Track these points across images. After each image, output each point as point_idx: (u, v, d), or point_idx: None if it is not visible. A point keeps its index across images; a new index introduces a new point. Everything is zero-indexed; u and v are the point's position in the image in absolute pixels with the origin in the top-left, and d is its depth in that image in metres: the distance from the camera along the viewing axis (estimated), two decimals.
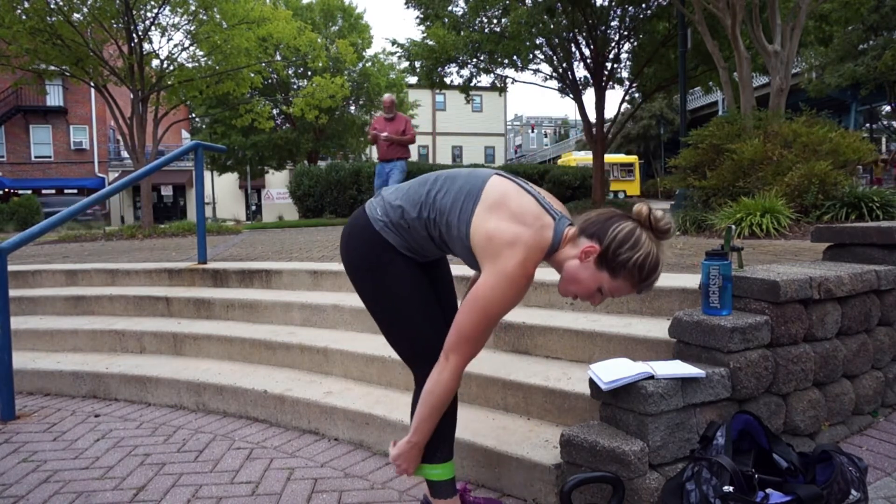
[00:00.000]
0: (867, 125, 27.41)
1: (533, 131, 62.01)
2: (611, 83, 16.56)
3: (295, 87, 24.36)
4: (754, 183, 5.91)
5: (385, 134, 7.41)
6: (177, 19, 13.76)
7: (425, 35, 15.80)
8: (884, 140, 30.13)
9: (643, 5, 14.56)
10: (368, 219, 1.76)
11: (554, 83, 19.07)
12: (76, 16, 12.49)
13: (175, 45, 18.43)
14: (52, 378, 3.52)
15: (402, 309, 1.76)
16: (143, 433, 2.86)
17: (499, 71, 17.02)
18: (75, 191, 29.00)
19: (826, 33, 13.23)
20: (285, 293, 3.98)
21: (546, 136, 62.24)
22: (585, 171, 20.60)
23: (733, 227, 4.68)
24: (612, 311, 2.81)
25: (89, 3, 12.38)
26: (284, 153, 25.08)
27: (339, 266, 4.03)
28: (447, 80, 16.88)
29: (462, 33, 15.19)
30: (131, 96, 13.17)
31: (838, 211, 5.35)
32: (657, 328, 2.42)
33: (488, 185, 1.64)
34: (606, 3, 14.84)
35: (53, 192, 28.94)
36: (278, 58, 19.16)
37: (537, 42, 14.86)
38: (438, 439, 1.78)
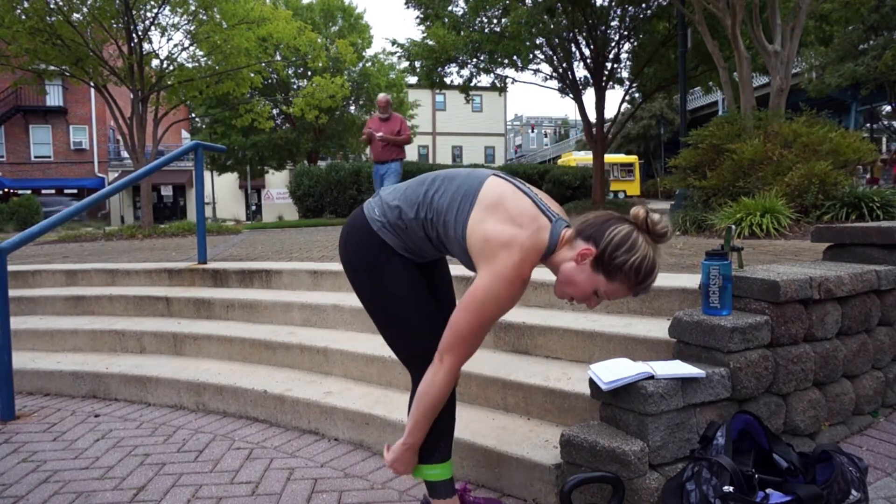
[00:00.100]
0: (867, 125, 27.42)
1: (533, 131, 62.01)
2: (611, 83, 16.56)
3: (295, 87, 24.35)
4: (754, 183, 5.91)
5: (380, 134, 7.25)
6: (177, 19, 13.76)
7: (425, 35, 15.80)
8: (884, 140, 30.14)
9: (643, 5, 14.56)
10: (366, 219, 1.76)
11: (554, 83, 19.09)
12: (76, 16, 12.49)
13: (175, 45, 18.43)
14: (52, 378, 3.52)
15: (400, 309, 1.76)
16: (143, 433, 2.86)
17: (499, 71, 17.02)
18: (75, 191, 29.01)
19: (826, 33, 13.23)
20: (285, 293, 3.98)
21: (546, 136, 62.24)
22: (585, 171, 20.59)
23: (733, 227, 4.68)
24: (612, 311, 2.81)
25: (89, 3, 12.37)
26: (284, 153, 25.08)
27: (338, 266, 4.03)
28: (447, 80, 16.87)
29: (462, 33, 15.19)
30: (131, 96, 13.16)
31: (838, 211, 5.35)
32: (657, 328, 2.42)
33: (485, 186, 1.64)
34: (606, 3, 14.84)
35: (53, 192, 28.93)
36: (278, 58, 19.15)
37: (537, 42, 14.86)
38: (436, 439, 1.78)
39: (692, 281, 2.67)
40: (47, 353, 3.87)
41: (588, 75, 16.22)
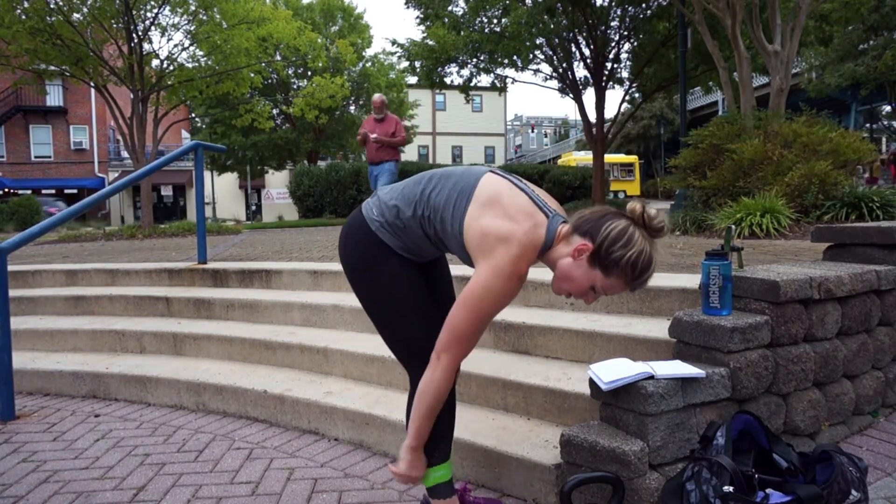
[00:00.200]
0: (867, 125, 27.42)
1: (533, 131, 62.00)
2: (611, 83, 16.56)
3: (295, 87, 24.35)
4: (754, 183, 5.91)
5: (374, 136, 7.13)
6: (177, 19, 13.76)
7: (425, 35, 15.80)
8: (884, 140, 30.14)
9: (643, 5, 14.57)
10: (365, 219, 1.76)
11: (554, 83, 19.10)
12: (76, 16, 12.49)
13: (175, 45, 18.45)
14: (52, 378, 3.52)
15: (399, 309, 1.76)
16: (143, 433, 2.86)
17: (499, 71, 17.02)
18: (75, 191, 29.01)
19: (826, 33, 13.23)
20: (285, 293, 3.98)
21: (546, 136, 62.23)
22: (585, 171, 20.60)
23: (733, 227, 4.68)
24: (612, 311, 2.81)
25: (89, 3, 12.37)
26: (284, 153, 25.08)
27: (338, 266, 4.02)
28: (447, 80, 16.88)
29: (462, 33, 15.19)
30: (131, 96, 13.16)
31: (838, 211, 5.35)
32: (657, 328, 2.42)
33: (482, 182, 1.65)
34: (606, 3, 14.84)
35: (53, 192, 28.94)
36: (278, 58, 19.14)
37: (537, 42, 14.86)
38: (436, 440, 1.78)
39: (692, 281, 2.67)
40: (47, 353, 3.87)
41: (588, 75, 16.22)
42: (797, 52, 9.93)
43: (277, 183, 32.28)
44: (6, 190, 28.14)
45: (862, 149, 6.15)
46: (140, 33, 12.94)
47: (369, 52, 26.01)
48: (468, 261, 1.67)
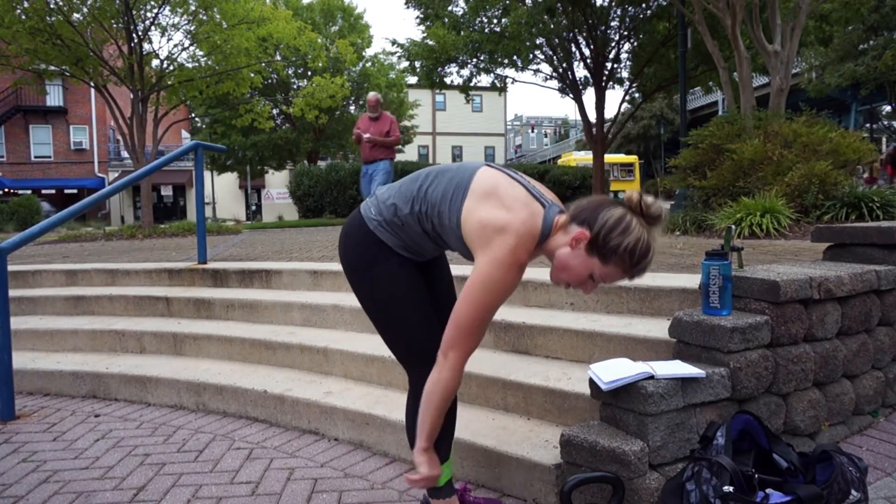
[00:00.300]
0: (867, 125, 27.41)
1: (533, 131, 62.01)
2: (611, 83, 16.57)
3: (295, 87, 24.36)
4: (754, 183, 5.91)
5: (367, 135, 7.05)
6: (177, 19, 13.76)
7: (425, 35, 15.81)
8: (884, 140, 30.14)
9: (643, 5, 14.58)
10: (363, 219, 1.77)
11: (554, 83, 19.09)
12: (76, 16, 12.48)
13: (175, 45, 18.44)
14: (52, 378, 3.52)
15: (399, 309, 1.76)
16: (143, 433, 2.86)
17: (499, 71, 17.04)
18: (75, 191, 29.01)
19: (826, 33, 13.24)
20: (285, 293, 3.98)
21: (546, 136, 62.23)
22: (585, 171, 20.60)
23: (733, 227, 4.68)
24: (612, 311, 2.81)
25: (89, 3, 12.37)
26: (284, 153, 25.08)
27: (338, 266, 4.02)
28: (447, 80, 16.89)
29: (462, 33, 15.20)
30: (131, 96, 13.16)
31: (838, 211, 5.35)
32: (657, 328, 2.42)
33: (477, 175, 1.66)
34: (606, 3, 14.85)
35: (53, 192, 28.95)
36: (278, 58, 19.14)
37: (537, 42, 14.87)
38: (436, 439, 1.78)
39: (692, 281, 2.67)
40: (47, 353, 3.87)
41: (588, 75, 16.23)
42: (797, 52, 9.93)
43: (277, 183, 32.29)
44: (6, 190, 28.14)
45: (862, 149, 6.15)
46: (140, 33, 12.94)
47: (369, 52, 26.04)
48: (467, 254, 1.67)
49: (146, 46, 13.29)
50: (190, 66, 14.40)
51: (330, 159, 25.48)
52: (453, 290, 2.00)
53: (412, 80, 21.19)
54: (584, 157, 28.50)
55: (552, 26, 14.14)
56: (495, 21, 15.38)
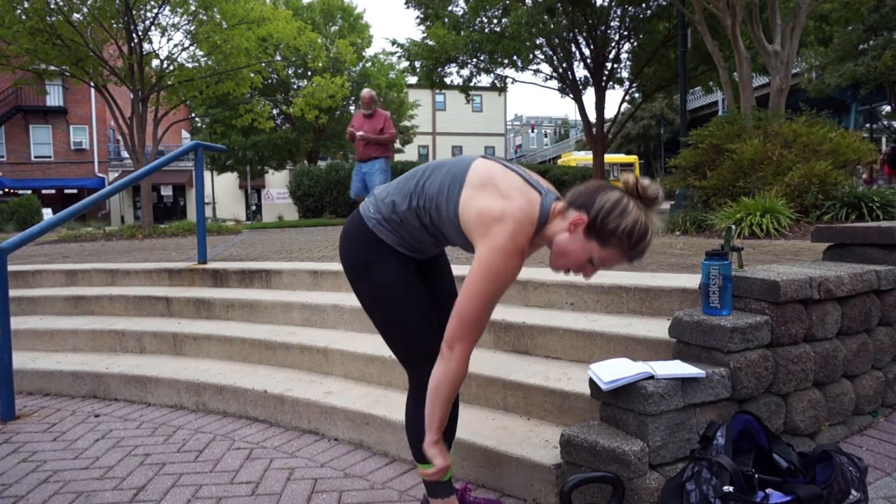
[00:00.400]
0: (867, 125, 27.41)
1: (533, 131, 61.99)
2: (611, 83, 16.57)
3: (295, 87, 24.35)
4: (754, 183, 5.91)
5: (361, 133, 6.92)
6: (177, 19, 13.76)
7: (425, 35, 15.81)
8: (884, 140, 30.14)
9: (643, 5, 14.58)
10: (363, 218, 1.78)
11: (554, 83, 19.09)
12: (76, 16, 12.48)
13: (175, 45, 18.43)
14: (52, 378, 3.52)
15: (399, 309, 1.76)
16: (143, 433, 2.86)
17: (499, 71, 17.04)
18: (75, 191, 29.00)
19: (826, 33, 13.24)
20: (285, 293, 3.98)
21: (546, 136, 62.22)
22: (585, 171, 20.60)
23: (733, 227, 4.68)
24: (612, 311, 2.81)
25: (89, 3, 12.37)
26: (284, 153, 25.08)
27: (338, 266, 4.02)
28: (447, 80, 16.89)
29: (462, 33, 15.20)
30: (131, 96, 13.16)
31: (838, 211, 5.35)
32: (657, 328, 2.42)
33: (473, 166, 1.67)
34: (606, 3, 14.85)
35: (53, 192, 28.95)
36: (278, 58, 19.14)
37: (537, 42, 14.87)
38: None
39: (692, 281, 2.67)
40: (47, 353, 3.87)
41: (588, 75, 16.23)
42: (797, 52, 9.93)
43: (277, 183, 32.28)
44: (6, 190, 28.14)
45: (862, 149, 6.15)
46: (140, 33, 12.94)
47: (369, 52, 26.03)
48: (467, 245, 1.67)
49: (146, 46, 13.29)
50: (190, 66, 14.40)
51: (330, 159, 25.48)
52: (454, 289, 2.00)
53: (412, 80, 21.18)
54: (584, 157, 28.50)
55: (552, 26, 14.14)
56: (495, 21, 15.38)
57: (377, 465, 2.41)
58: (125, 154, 27.85)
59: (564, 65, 16.11)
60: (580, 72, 16.66)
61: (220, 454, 2.57)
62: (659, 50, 14.83)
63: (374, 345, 2.96)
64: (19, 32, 11.57)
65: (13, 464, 2.54)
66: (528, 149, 58.07)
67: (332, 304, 3.49)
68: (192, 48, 14.38)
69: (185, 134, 32.87)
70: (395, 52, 17.05)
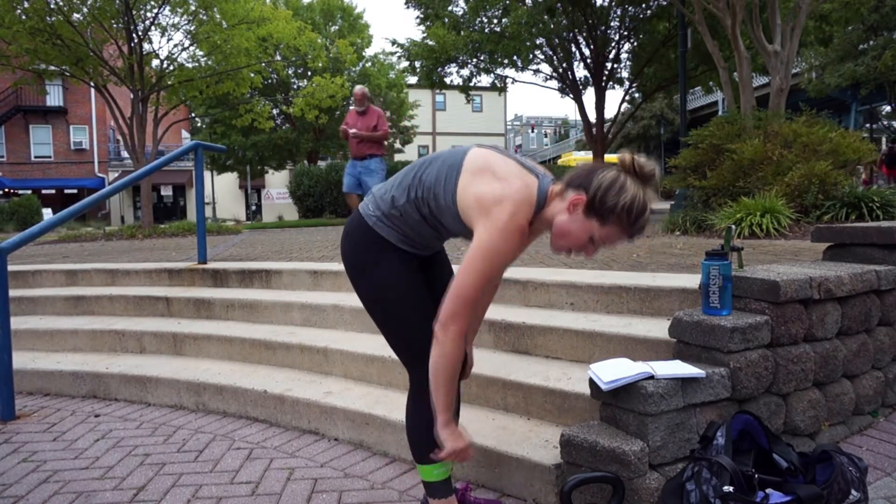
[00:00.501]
0: (867, 125, 27.40)
1: (533, 131, 61.99)
2: (611, 83, 16.57)
3: (295, 87, 24.35)
4: (754, 183, 5.91)
5: (353, 131, 6.75)
6: (177, 19, 13.76)
7: (425, 35, 15.81)
8: (884, 140, 30.14)
9: (643, 5, 14.57)
10: (363, 217, 1.79)
11: (554, 83, 19.08)
12: (76, 16, 12.48)
13: (175, 45, 18.43)
14: (52, 378, 3.52)
15: (399, 309, 1.76)
16: (143, 433, 2.86)
17: (499, 71, 17.04)
18: (75, 191, 29.00)
19: (826, 33, 13.24)
20: (285, 293, 3.98)
21: (546, 136, 62.22)
22: None
23: (733, 227, 4.68)
24: (612, 311, 2.81)
25: (89, 3, 12.37)
26: (284, 153, 25.07)
27: (338, 266, 4.03)
28: (447, 80, 16.89)
29: (462, 33, 15.20)
30: (131, 96, 13.16)
31: (838, 211, 5.35)
32: (657, 328, 2.42)
33: (469, 154, 1.68)
34: (606, 3, 14.85)
35: (53, 192, 28.94)
36: (278, 58, 19.13)
37: (537, 42, 14.87)
38: (432, 439, 1.78)
39: (692, 281, 2.67)
40: (47, 353, 3.87)
41: (588, 75, 16.24)
42: (797, 52, 9.93)
43: (277, 183, 32.27)
44: (6, 190, 28.14)
45: (862, 149, 6.15)
46: (140, 33, 12.94)
47: (369, 52, 26.02)
48: (466, 233, 1.68)
49: (146, 46, 13.29)
50: (190, 66, 14.40)
51: (330, 159, 25.47)
52: None
53: (412, 80, 21.18)
54: (585, 158, 28.51)
55: (552, 26, 14.14)
56: (495, 21, 15.39)
57: (377, 465, 2.40)
58: (125, 154, 27.84)
59: (564, 65, 16.11)
60: (580, 72, 16.68)
61: (220, 454, 2.57)
62: (659, 50, 14.83)
63: (374, 345, 2.96)
64: (19, 32, 11.57)
65: (13, 464, 2.54)
66: (528, 149, 58.05)
67: (332, 304, 3.49)
68: (192, 48, 14.40)
69: (185, 134, 32.86)
70: (395, 52, 17.06)
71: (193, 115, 24.50)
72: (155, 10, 13.16)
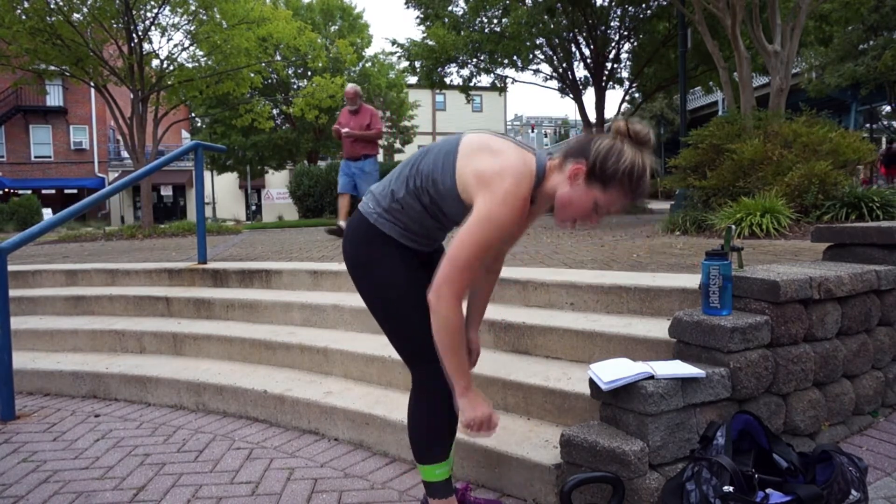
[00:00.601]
0: (867, 125, 27.40)
1: (533, 131, 61.99)
2: (611, 83, 16.56)
3: (295, 87, 24.34)
4: (754, 183, 5.91)
5: (346, 130, 6.62)
6: (177, 19, 13.75)
7: (425, 35, 15.80)
8: (884, 140, 30.13)
9: (643, 5, 14.56)
10: (363, 215, 1.79)
11: (554, 83, 19.07)
12: (76, 16, 12.48)
13: (175, 45, 18.43)
14: (52, 378, 3.52)
15: (400, 307, 1.76)
16: (143, 433, 2.86)
17: (499, 71, 17.02)
18: (75, 191, 29.00)
19: (826, 33, 13.23)
20: (285, 293, 3.98)
21: (546, 136, 62.26)
22: None
23: (733, 227, 4.68)
24: (612, 311, 2.81)
25: (89, 3, 12.36)
26: (284, 153, 25.07)
27: (338, 266, 4.03)
28: (447, 80, 16.87)
29: (462, 33, 15.18)
30: (131, 96, 13.16)
31: (838, 211, 5.35)
32: (657, 328, 2.42)
33: (465, 139, 1.70)
34: (606, 3, 14.84)
35: (53, 192, 28.94)
36: (278, 58, 19.13)
37: (537, 42, 14.85)
38: (432, 439, 1.78)
39: (692, 281, 2.67)
40: (47, 353, 3.87)
41: (588, 75, 16.22)
42: (797, 52, 9.93)
43: (277, 183, 32.27)
44: (6, 190, 28.13)
45: (862, 149, 6.15)
46: (140, 33, 12.93)
47: (369, 52, 26.02)
48: (468, 218, 1.67)
49: (146, 46, 13.29)
50: (190, 66, 14.40)
51: (330, 159, 25.48)
52: None
53: (412, 80, 21.17)
54: None
55: (552, 26, 14.13)
56: (495, 21, 15.37)
57: (377, 465, 2.40)
58: (125, 154, 27.83)
59: (564, 65, 16.10)
60: (580, 72, 16.67)
61: (220, 454, 2.57)
62: (659, 50, 14.82)
63: (374, 345, 2.96)
64: (19, 32, 11.57)
65: (13, 464, 2.54)
66: None
67: (332, 304, 3.49)
68: (192, 48, 14.39)
69: (185, 134, 32.86)
70: (395, 52, 17.04)
71: (193, 115, 24.50)
72: (155, 10, 13.16)
